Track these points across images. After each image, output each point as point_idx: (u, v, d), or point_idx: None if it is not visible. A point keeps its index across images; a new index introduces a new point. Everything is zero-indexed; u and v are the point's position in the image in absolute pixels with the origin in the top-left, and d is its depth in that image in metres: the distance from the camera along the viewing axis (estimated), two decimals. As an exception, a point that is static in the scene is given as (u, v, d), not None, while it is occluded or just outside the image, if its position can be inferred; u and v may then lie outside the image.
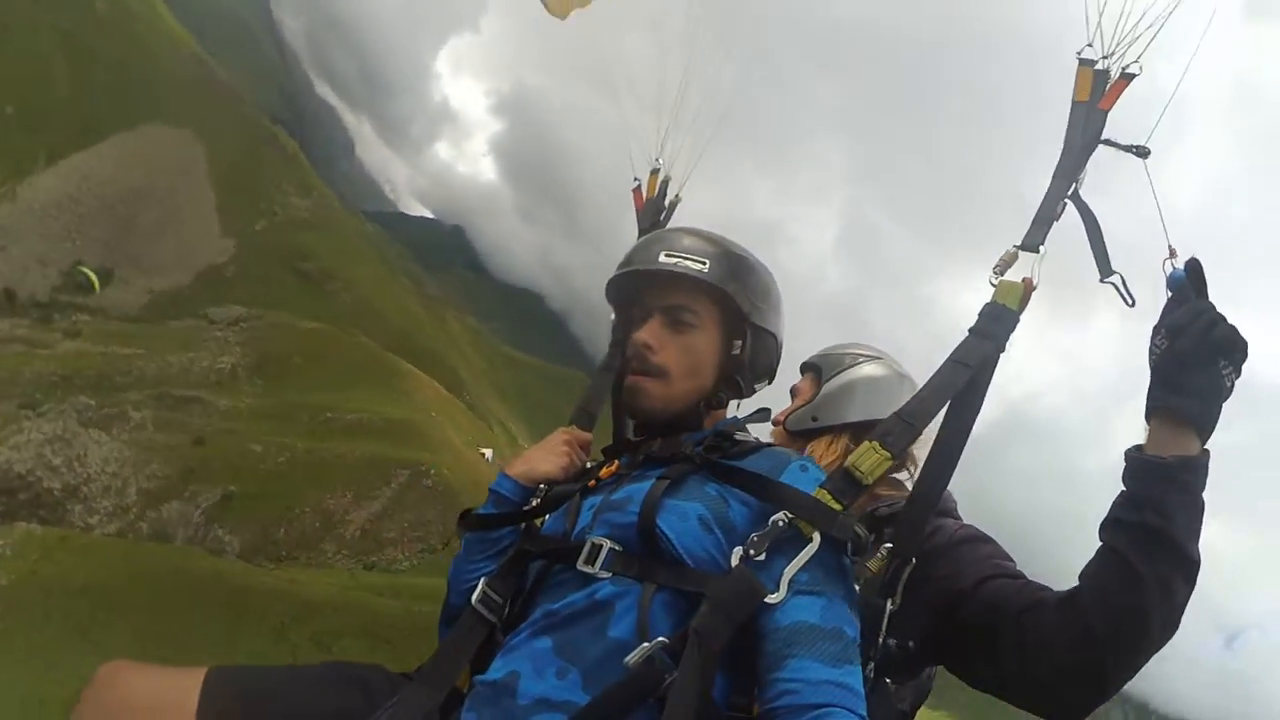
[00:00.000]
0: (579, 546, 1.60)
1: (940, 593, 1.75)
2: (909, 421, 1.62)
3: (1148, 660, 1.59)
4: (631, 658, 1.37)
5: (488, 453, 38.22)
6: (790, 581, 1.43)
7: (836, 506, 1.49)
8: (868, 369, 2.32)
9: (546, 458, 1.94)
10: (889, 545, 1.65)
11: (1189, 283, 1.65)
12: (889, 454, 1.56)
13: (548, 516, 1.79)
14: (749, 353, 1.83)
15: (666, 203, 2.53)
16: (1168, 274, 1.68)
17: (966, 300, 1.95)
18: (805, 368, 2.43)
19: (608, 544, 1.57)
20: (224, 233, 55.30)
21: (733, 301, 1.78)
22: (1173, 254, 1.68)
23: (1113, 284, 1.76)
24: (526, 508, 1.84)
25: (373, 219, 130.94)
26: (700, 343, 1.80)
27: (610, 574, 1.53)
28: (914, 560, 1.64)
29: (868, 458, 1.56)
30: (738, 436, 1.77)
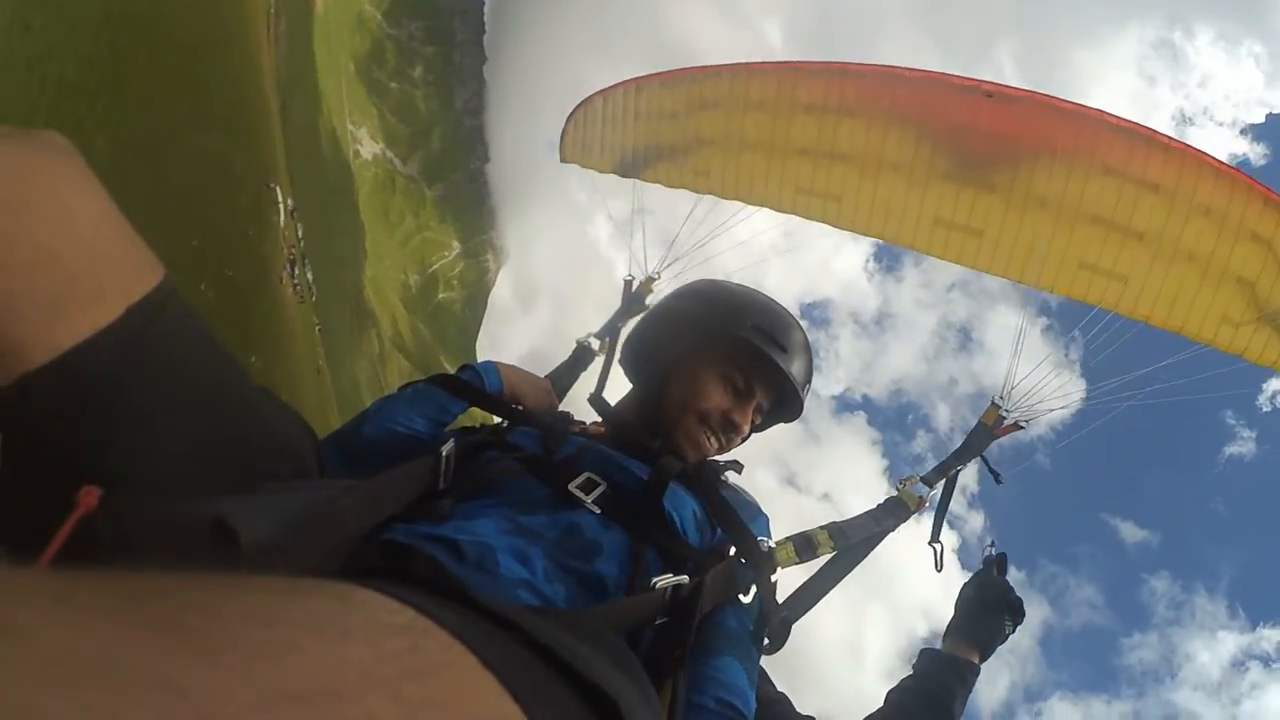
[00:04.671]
0: (567, 471, 1.76)
1: None
2: (844, 532, 2.27)
3: None
4: (659, 581, 1.57)
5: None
6: (752, 595, 1.79)
7: (795, 559, 2.07)
8: None
9: (533, 390, 2.21)
10: None
11: (997, 563, 2.63)
12: (834, 543, 2.20)
13: (516, 429, 1.98)
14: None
15: (646, 302, 3.13)
16: (985, 554, 2.68)
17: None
18: None
19: (603, 484, 1.74)
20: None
21: (794, 417, 2.24)
22: (993, 544, 2.70)
23: (934, 548, 2.66)
24: (507, 409, 2.08)
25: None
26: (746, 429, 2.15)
27: (599, 509, 1.68)
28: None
29: (822, 538, 2.18)
30: (725, 477, 2.10)
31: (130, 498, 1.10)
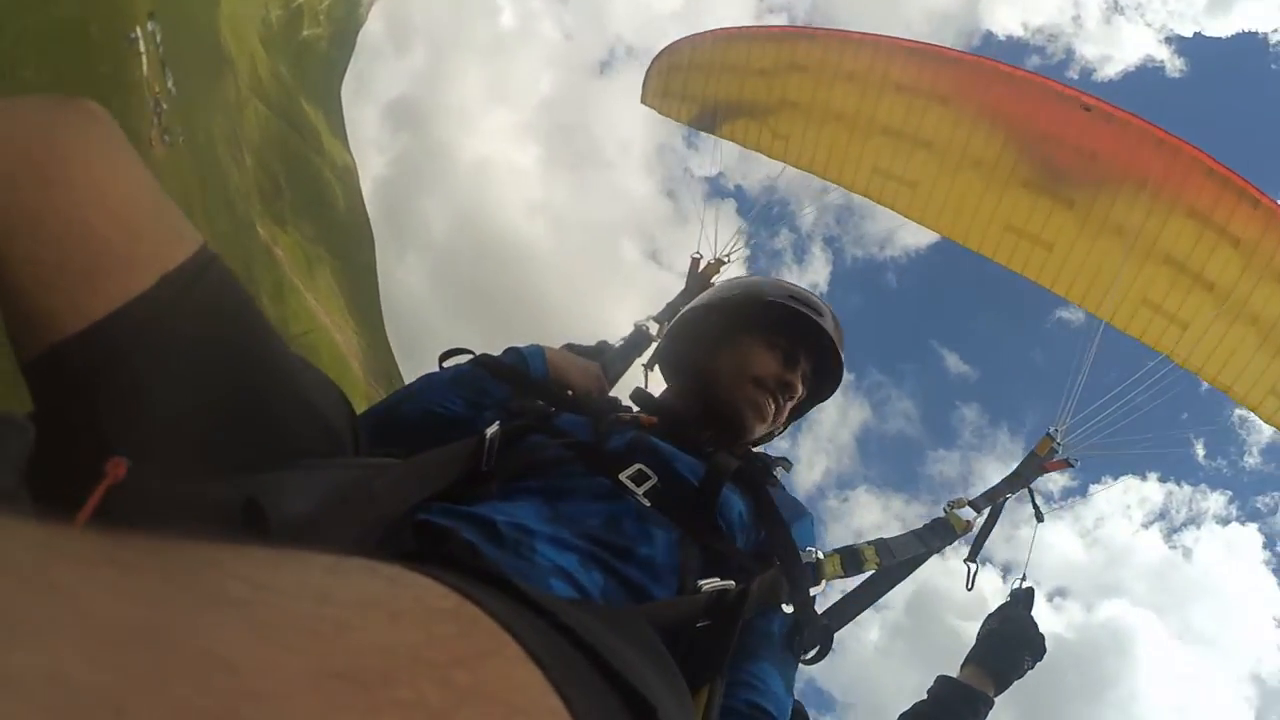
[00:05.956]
0: (617, 460, 1.70)
1: None
2: (890, 550, 2.24)
3: None
4: (706, 584, 1.54)
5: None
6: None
7: (840, 572, 2.05)
8: None
9: (582, 376, 2.16)
10: None
11: (1024, 598, 2.58)
12: (879, 560, 2.18)
13: (562, 415, 1.91)
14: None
15: (712, 282, 3.06)
16: (1014, 587, 2.64)
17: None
18: None
19: (655, 477, 1.69)
20: None
21: (828, 394, 2.28)
22: (1023, 579, 2.64)
23: (969, 567, 2.62)
24: (552, 395, 2.00)
25: None
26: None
27: (650, 502, 1.64)
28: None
29: (869, 554, 2.16)
30: (775, 473, 2.09)
31: (159, 471, 1.07)
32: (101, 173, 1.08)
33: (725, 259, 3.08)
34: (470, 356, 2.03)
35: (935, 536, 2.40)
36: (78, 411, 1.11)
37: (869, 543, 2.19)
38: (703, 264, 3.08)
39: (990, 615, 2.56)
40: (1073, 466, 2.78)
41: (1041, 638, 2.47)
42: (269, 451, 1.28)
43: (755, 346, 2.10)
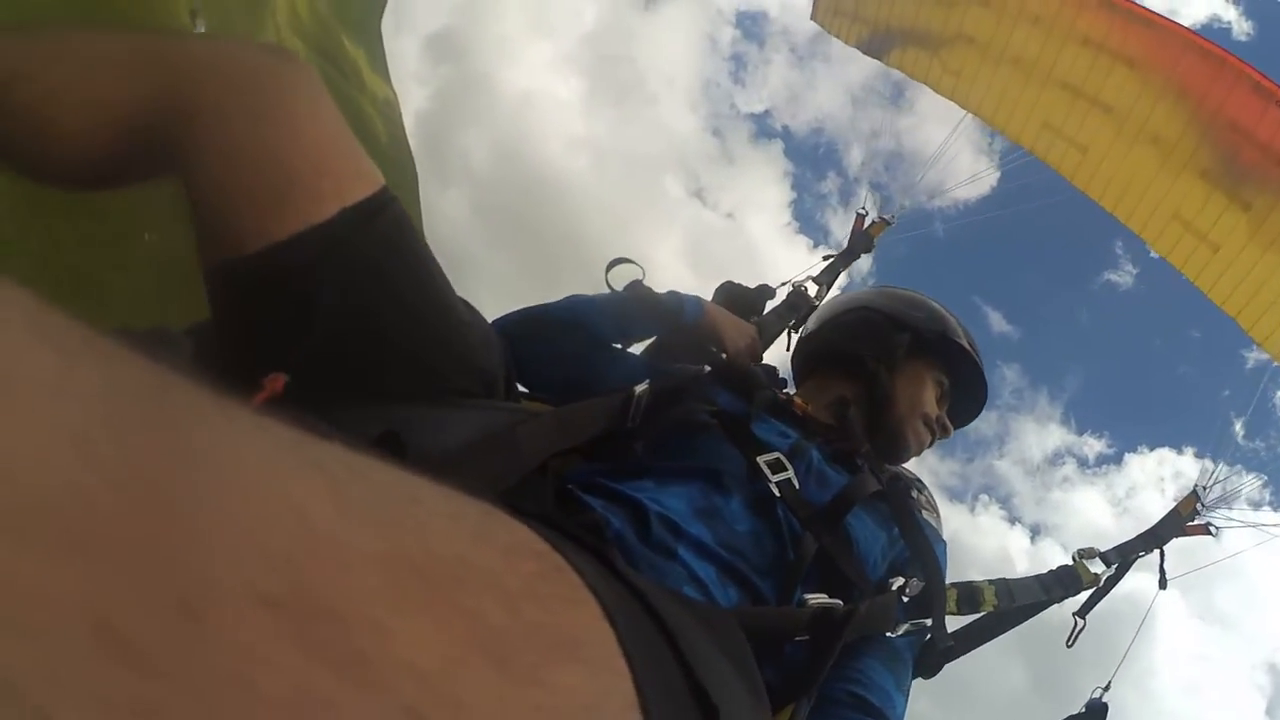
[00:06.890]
0: (760, 443, 1.67)
1: None
2: (1011, 593, 2.14)
3: None
4: (812, 599, 1.50)
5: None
6: (905, 628, 1.73)
7: (955, 610, 1.97)
8: None
9: (737, 334, 2.05)
10: None
11: (1096, 713, 2.31)
12: (997, 602, 2.09)
13: (718, 386, 1.88)
14: None
15: (875, 242, 3.01)
16: (1092, 696, 2.37)
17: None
18: None
19: (791, 471, 1.63)
20: None
21: None
22: (1106, 688, 2.37)
23: (1077, 620, 2.39)
24: (701, 350, 1.98)
25: None
26: None
27: (779, 494, 1.59)
28: None
29: (988, 594, 2.08)
30: (913, 494, 2.06)
31: (314, 391, 1.08)
32: (300, 113, 1.18)
33: (890, 220, 2.94)
34: (636, 270, 2.00)
35: (1059, 585, 2.27)
36: (246, 325, 1.20)
37: (989, 582, 2.13)
38: (867, 221, 2.95)
39: None
40: (1213, 535, 2.56)
41: None
42: (423, 387, 1.33)
43: (929, 382, 2.13)
